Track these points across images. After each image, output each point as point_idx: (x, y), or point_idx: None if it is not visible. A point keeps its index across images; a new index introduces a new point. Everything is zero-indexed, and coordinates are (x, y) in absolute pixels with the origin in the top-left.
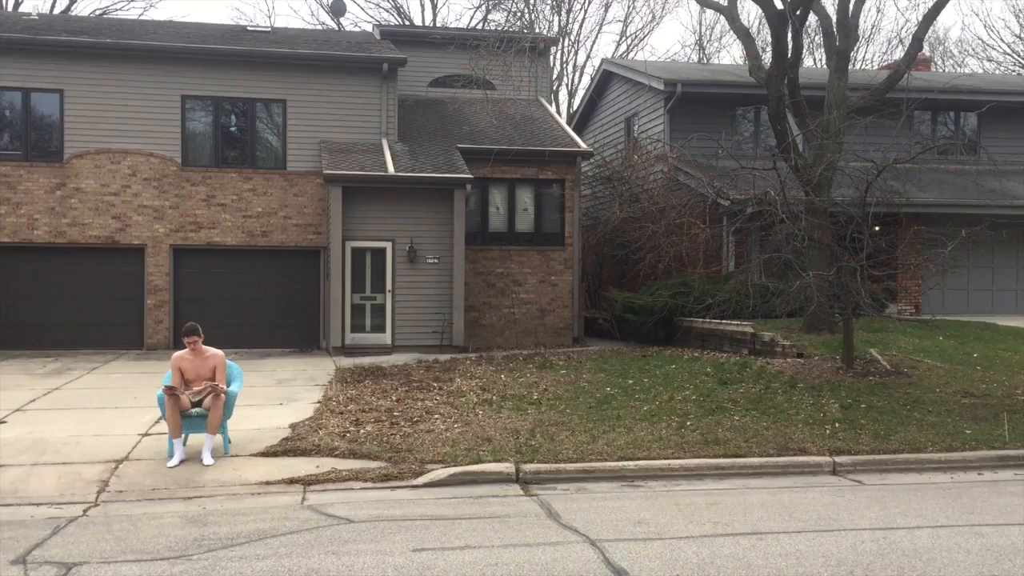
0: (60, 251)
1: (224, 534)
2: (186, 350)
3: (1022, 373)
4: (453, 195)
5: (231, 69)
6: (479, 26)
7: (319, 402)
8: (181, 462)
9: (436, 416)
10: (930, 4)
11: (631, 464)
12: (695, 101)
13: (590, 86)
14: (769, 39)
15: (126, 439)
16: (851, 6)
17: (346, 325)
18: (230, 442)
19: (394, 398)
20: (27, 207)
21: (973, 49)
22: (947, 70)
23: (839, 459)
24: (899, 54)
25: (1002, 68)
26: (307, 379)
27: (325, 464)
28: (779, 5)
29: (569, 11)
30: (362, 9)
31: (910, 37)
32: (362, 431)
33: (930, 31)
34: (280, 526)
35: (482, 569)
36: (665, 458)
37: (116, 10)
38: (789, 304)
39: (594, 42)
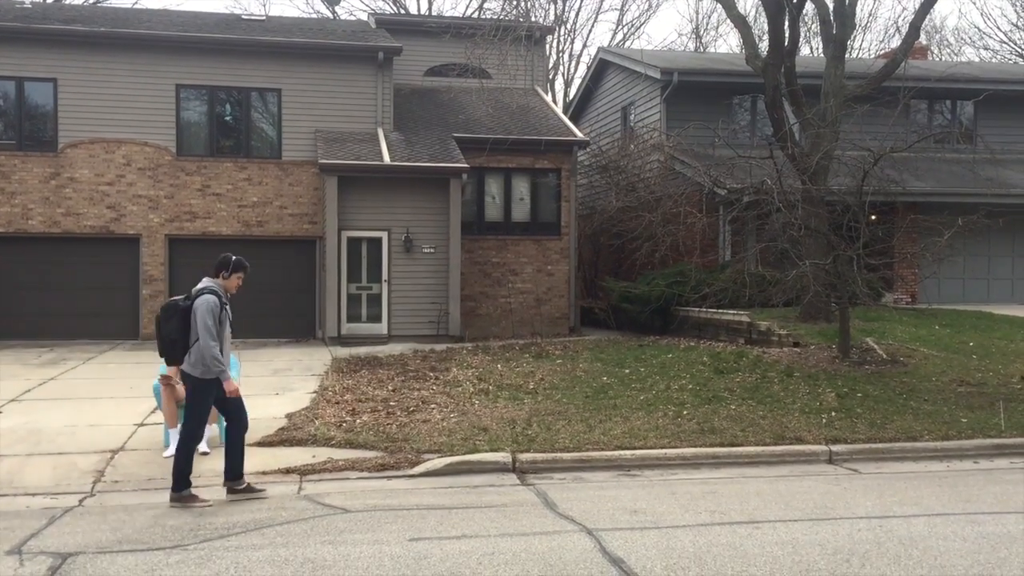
0: (55, 241)
1: (220, 524)
2: None
3: (1018, 362)
4: (449, 185)
5: (226, 58)
6: (475, 14)
7: (315, 392)
8: None
9: (432, 406)
10: None
11: (628, 453)
12: (692, 90)
13: (586, 75)
14: (766, 27)
15: (122, 429)
16: None
17: (342, 315)
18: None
19: (390, 388)
20: (21, 197)
21: (970, 38)
22: (944, 59)
23: (835, 448)
24: (896, 42)
25: (999, 57)
26: (303, 369)
27: (321, 454)
28: None
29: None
30: None
31: (907, 25)
32: (358, 421)
33: (927, 19)
34: (276, 516)
35: (478, 558)
36: (662, 447)
37: None
38: (785, 293)
39: (590, 31)
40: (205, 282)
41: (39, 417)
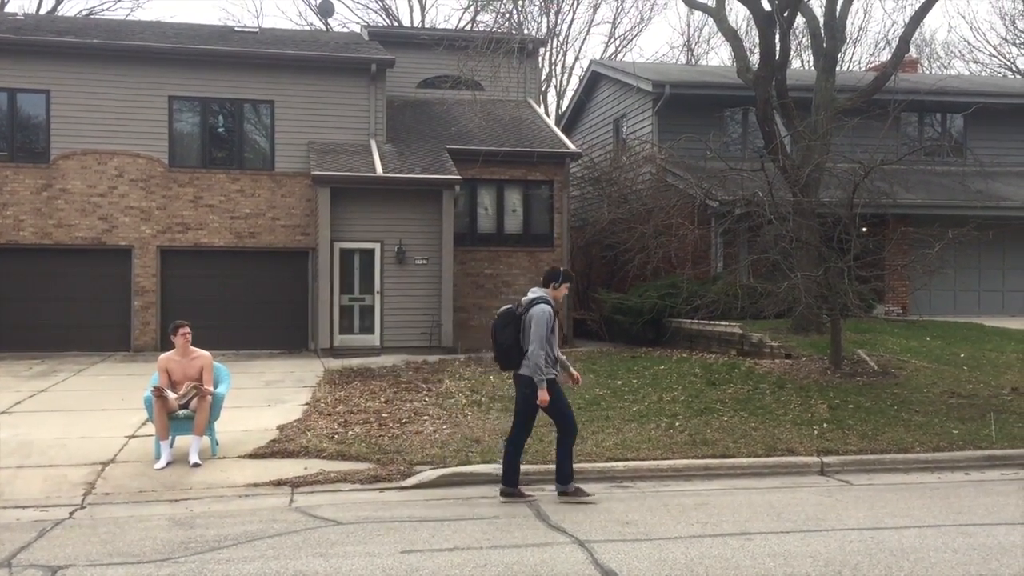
0: (46, 252)
1: (211, 536)
2: (173, 351)
3: (1008, 373)
4: (442, 196)
5: (219, 70)
6: (467, 27)
7: (307, 404)
8: (168, 464)
9: (425, 417)
10: (917, 6)
11: (620, 465)
12: (683, 102)
13: (579, 87)
14: (757, 41)
15: (113, 441)
16: (838, 8)
17: (334, 326)
18: (218, 444)
19: (383, 399)
20: (13, 208)
21: (959, 51)
22: (934, 72)
23: (827, 459)
24: (886, 56)
25: (988, 70)
26: (295, 380)
27: (313, 466)
28: (767, 7)
29: (558, 12)
30: (350, 10)
31: (897, 39)
32: (350, 432)
33: (917, 33)
34: (268, 528)
35: (471, 570)
36: (654, 459)
37: (103, 10)
38: (777, 305)
39: (583, 43)
40: (536, 292)
41: (30, 429)
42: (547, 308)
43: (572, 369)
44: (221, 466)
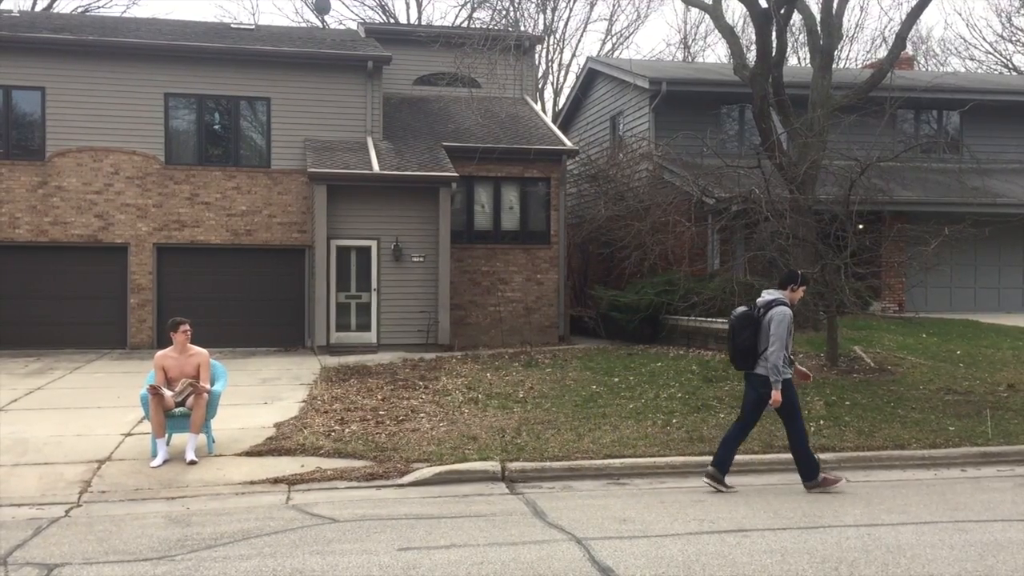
0: (42, 250)
1: (208, 534)
2: (170, 348)
3: (1004, 370)
4: (438, 193)
5: (215, 67)
6: (464, 24)
7: (304, 401)
8: (164, 462)
9: (422, 415)
10: (913, 3)
11: (617, 462)
12: (680, 99)
13: (575, 84)
14: (754, 38)
15: (109, 439)
16: (835, 5)
17: (331, 324)
18: (214, 441)
19: (379, 397)
20: (8, 205)
21: (956, 48)
22: (930, 69)
23: (824, 456)
24: (882, 53)
25: (984, 67)
26: (292, 378)
27: (310, 463)
28: (763, 4)
29: (554, 9)
30: (347, 7)
31: (893, 36)
32: (347, 430)
33: (913, 30)
34: (264, 526)
35: (467, 568)
36: (651, 456)
37: (98, 7)
38: None
39: (579, 40)
40: (773, 294)
41: (25, 427)
42: (788, 310)
43: (800, 367)
44: (218, 464)
